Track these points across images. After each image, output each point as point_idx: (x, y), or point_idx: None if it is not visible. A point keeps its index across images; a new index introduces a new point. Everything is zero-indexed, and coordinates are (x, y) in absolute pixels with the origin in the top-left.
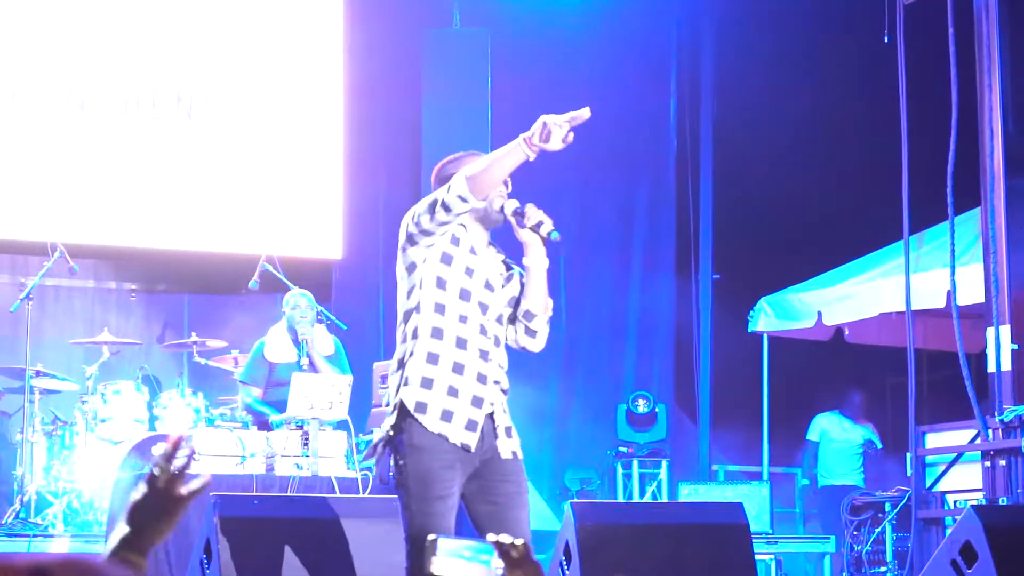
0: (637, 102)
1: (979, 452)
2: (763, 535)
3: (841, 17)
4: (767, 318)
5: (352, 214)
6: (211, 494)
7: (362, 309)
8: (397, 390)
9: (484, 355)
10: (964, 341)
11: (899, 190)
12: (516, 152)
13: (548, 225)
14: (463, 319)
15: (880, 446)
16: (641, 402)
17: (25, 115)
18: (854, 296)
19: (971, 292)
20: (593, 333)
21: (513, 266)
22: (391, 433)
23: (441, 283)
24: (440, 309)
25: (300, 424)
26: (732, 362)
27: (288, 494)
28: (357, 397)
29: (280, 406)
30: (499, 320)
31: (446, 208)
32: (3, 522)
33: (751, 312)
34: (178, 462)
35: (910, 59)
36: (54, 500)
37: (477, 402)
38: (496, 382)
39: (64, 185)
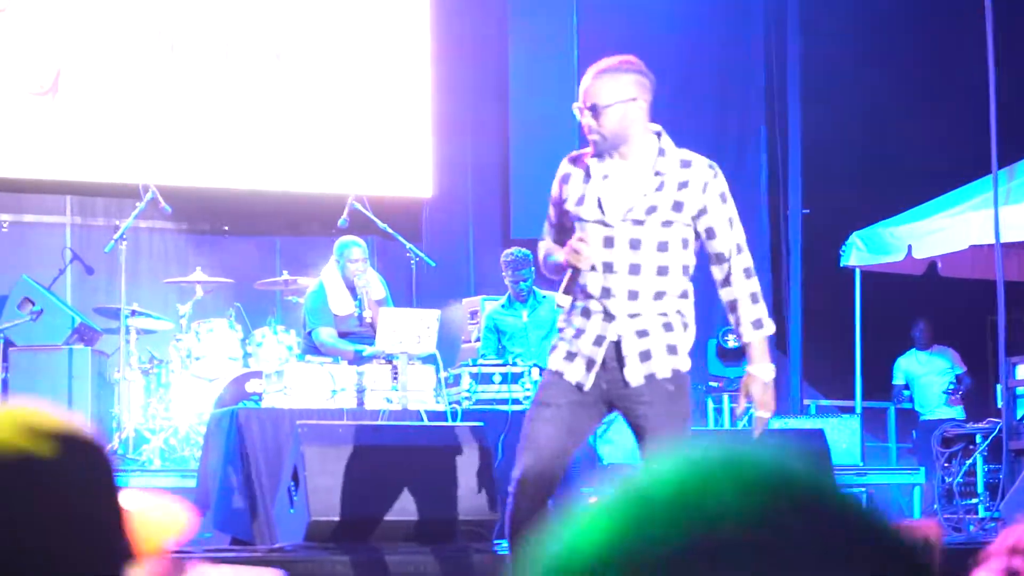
0: (724, 37)
1: None
2: (853, 468)
3: None
4: (859, 252)
5: (441, 152)
6: (298, 423)
7: (452, 246)
8: None
9: (607, 292)
10: None
11: (988, 122)
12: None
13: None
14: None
15: (959, 370)
16: (731, 337)
17: (116, 58)
18: (944, 229)
19: None
20: None
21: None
22: None
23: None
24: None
25: (389, 358)
26: (823, 297)
27: (375, 423)
28: (448, 333)
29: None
30: (634, 245)
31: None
32: None
33: (843, 246)
34: None
35: None
36: (151, 436)
37: (599, 341)
38: (632, 315)
39: (155, 128)
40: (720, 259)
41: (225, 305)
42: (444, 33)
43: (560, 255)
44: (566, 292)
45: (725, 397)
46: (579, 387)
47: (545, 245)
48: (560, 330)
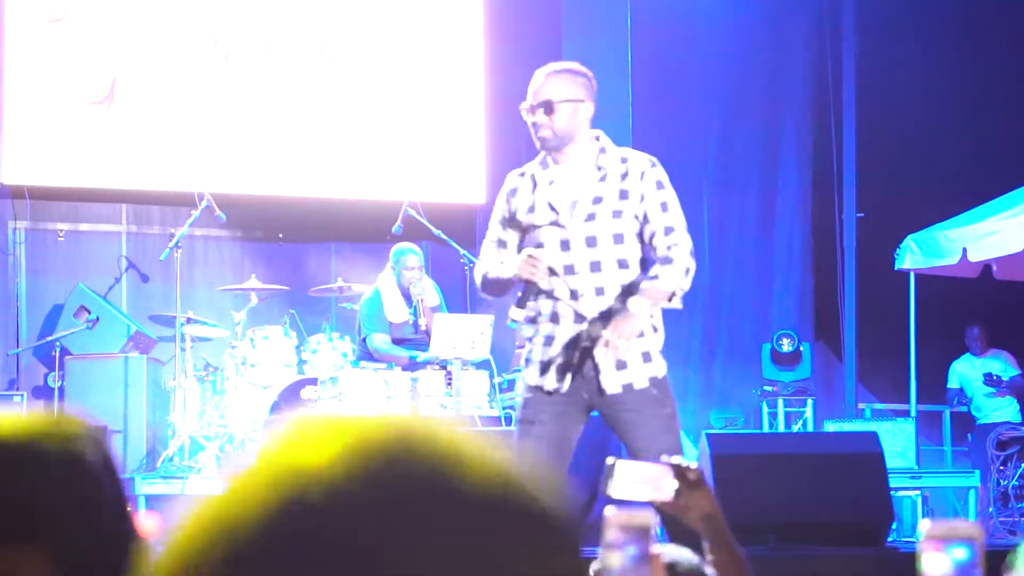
0: (778, 38)
1: None
2: (908, 471)
3: None
4: (913, 256)
5: (495, 158)
6: None
7: None
8: None
9: (575, 294)
10: None
11: None
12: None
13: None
14: (551, 271)
15: (1009, 375)
16: (786, 341)
17: (171, 67)
18: (999, 232)
19: None
20: (736, 272)
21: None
22: None
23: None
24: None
25: (443, 364)
26: (878, 300)
27: None
28: (501, 338)
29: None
30: (590, 243)
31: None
32: (158, 465)
33: (898, 250)
34: None
35: None
36: (206, 443)
37: (571, 343)
38: (603, 312)
39: (210, 136)
40: (650, 239)
41: (280, 312)
42: (498, 40)
43: (507, 271)
44: (519, 306)
45: (779, 401)
46: (557, 394)
47: (482, 264)
48: (529, 339)
